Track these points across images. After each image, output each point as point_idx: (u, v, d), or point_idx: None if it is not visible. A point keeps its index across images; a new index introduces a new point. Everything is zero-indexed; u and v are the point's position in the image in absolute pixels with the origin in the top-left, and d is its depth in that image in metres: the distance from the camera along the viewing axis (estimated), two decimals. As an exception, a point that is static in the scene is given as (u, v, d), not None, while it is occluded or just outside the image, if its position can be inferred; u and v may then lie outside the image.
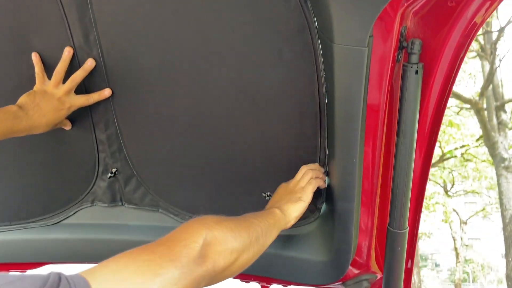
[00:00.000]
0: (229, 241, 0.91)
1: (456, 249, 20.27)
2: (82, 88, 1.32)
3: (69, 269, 1.66)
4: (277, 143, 1.32)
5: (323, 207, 1.38)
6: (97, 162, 1.47)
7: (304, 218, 1.43)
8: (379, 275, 1.40)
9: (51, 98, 1.25)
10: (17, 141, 1.40)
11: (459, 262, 20.13)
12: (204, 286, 0.86)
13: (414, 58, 0.98)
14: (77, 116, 1.37)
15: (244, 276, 1.55)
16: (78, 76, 1.27)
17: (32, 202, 1.57)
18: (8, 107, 1.19)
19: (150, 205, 1.54)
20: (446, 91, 1.04)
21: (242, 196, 1.43)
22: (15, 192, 1.55)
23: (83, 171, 1.49)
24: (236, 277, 1.57)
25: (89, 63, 1.25)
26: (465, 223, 20.83)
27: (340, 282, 1.41)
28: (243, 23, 1.13)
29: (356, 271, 1.39)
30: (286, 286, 1.54)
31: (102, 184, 1.52)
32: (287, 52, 1.14)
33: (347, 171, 1.14)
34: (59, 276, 0.63)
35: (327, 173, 1.32)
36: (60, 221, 1.59)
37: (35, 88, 1.26)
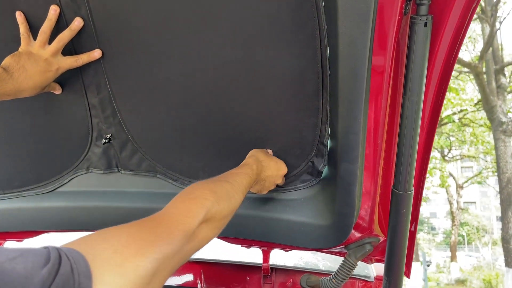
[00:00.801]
0: (219, 221, 0.95)
1: (452, 212, 20.60)
2: (71, 49, 1.25)
3: (66, 237, 1.64)
4: (276, 104, 1.27)
5: (325, 170, 1.35)
6: (91, 127, 1.42)
7: (305, 181, 1.40)
8: (382, 238, 1.38)
9: (37, 59, 1.19)
10: (6, 107, 1.36)
11: (454, 225, 20.50)
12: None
13: (423, 9, 0.92)
14: (67, 80, 1.32)
15: (245, 241, 1.53)
16: (65, 36, 1.20)
17: (25, 170, 1.53)
18: None
19: (148, 171, 1.50)
20: (456, 46, 0.99)
21: (241, 157, 1.39)
22: (7, 160, 1.51)
23: (77, 137, 1.45)
24: (237, 242, 1.56)
25: (76, 23, 1.19)
26: (461, 187, 21.09)
27: (342, 246, 1.39)
28: None
29: (358, 235, 1.36)
30: (287, 250, 1.52)
31: (96, 151, 1.47)
32: (285, 6, 1.08)
33: (351, 132, 1.09)
34: (59, 252, 0.60)
35: (329, 136, 1.27)
36: (55, 189, 1.56)
37: (20, 49, 1.20)
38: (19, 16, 1.18)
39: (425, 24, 0.93)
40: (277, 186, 1.37)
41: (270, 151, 1.36)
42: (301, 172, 1.39)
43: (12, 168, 1.52)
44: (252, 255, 1.62)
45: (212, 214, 0.91)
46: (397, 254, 1.26)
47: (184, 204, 0.90)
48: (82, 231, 1.60)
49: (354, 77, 1.00)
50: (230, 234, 1.53)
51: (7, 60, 1.17)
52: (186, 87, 1.28)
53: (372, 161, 1.19)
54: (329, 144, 1.29)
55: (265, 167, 1.26)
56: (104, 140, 1.44)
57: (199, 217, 0.87)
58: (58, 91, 1.33)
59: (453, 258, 20.53)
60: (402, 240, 1.21)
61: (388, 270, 1.31)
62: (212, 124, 1.34)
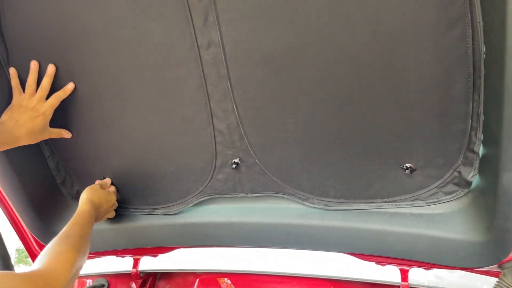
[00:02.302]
0: (74, 269, 1.13)
1: None
2: (200, 73, 1.28)
3: (199, 253, 1.67)
4: (416, 111, 1.18)
5: (475, 180, 1.22)
6: (215, 154, 1.44)
7: (450, 193, 1.29)
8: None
9: (25, 109, 1.37)
10: (145, 131, 1.43)
11: None
12: None
13: None
14: (194, 108, 1.34)
15: (381, 258, 1.44)
16: (59, 96, 1.39)
17: (157, 190, 1.59)
18: None
19: (275, 192, 1.48)
20: None
21: (378, 172, 1.32)
22: (144, 179, 1.58)
23: (201, 163, 1.47)
24: (371, 260, 1.48)
25: (69, 86, 1.38)
26: None
27: (497, 265, 1.25)
28: None
29: (516, 252, 1.21)
30: (428, 269, 1.41)
31: (221, 177, 1.48)
32: (430, 6, 1.00)
33: (517, 137, 0.97)
34: None
35: (481, 142, 1.16)
36: (179, 212, 1.60)
37: (12, 103, 1.38)
38: (11, 71, 1.37)
39: None
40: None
41: (97, 183, 1.55)
42: (445, 183, 1.28)
43: (146, 186, 1.60)
44: (385, 273, 1.53)
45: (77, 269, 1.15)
46: None
47: (52, 264, 1.08)
48: (214, 247, 1.62)
49: None
50: (365, 251, 1.46)
51: (3, 116, 1.35)
52: (315, 103, 1.24)
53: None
54: (481, 151, 1.17)
55: (99, 206, 1.45)
56: (233, 165, 1.44)
57: (67, 276, 1.07)
58: (67, 135, 1.50)
59: None
60: None
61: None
62: (343, 138, 1.28)
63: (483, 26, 0.97)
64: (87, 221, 1.33)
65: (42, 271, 1.04)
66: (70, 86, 1.38)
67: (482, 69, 1.03)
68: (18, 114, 1.36)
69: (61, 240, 1.19)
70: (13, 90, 1.38)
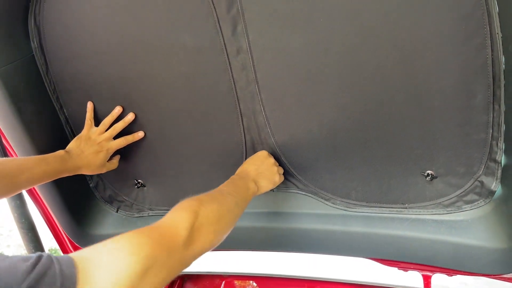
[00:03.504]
0: (213, 224, 1.01)
1: None
2: (231, 77, 1.34)
3: (228, 256, 1.72)
4: (437, 119, 1.20)
5: (499, 189, 1.23)
6: (245, 152, 1.49)
7: (471, 202, 1.30)
8: None
9: (93, 143, 1.46)
10: (175, 132, 1.49)
11: None
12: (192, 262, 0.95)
13: None
14: (225, 107, 1.41)
15: (404, 264, 1.46)
16: (119, 126, 1.48)
17: (187, 189, 1.60)
18: (57, 152, 1.38)
19: (300, 190, 1.53)
20: None
21: (399, 177, 1.34)
22: (175, 180, 1.64)
23: (232, 161, 1.52)
24: (394, 265, 1.50)
25: (129, 117, 1.48)
26: None
27: (519, 272, 1.26)
28: None
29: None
30: (451, 275, 1.42)
31: None
32: (450, 17, 1.03)
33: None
34: (50, 257, 0.68)
35: (502, 151, 1.17)
36: None
37: (81, 133, 1.48)
38: (89, 104, 1.48)
39: None
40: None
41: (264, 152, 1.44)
42: (466, 192, 1.29)
43: (177, 186, 1.65)
44: (408, 279, 1.54)
45: (203, 217, 0.99)
46: None
47: (173, 214, 0.98)
48: (244, 250, 1.67)
49: None
50: (387, 257, 1.48)
51: (70, 145, 1.45)
52: (340, 106, 1.27)
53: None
54: (503, 160, 1.18)
55: (258, 176, 1.36)
56: None
57: (188, 223, 0.94)
58: (115, 166, 1.57)
59: None
60: None
61: None
62: (367, 143, 1.32)
63: (501, 37, 0.99)
64: (243, 195, 1.24)
65: (161, 223, 0.94)
66: (130, 117, 1.48)
67: (502, 79, 1.05)
68: (86, 145, 1.45)
69: (202, 195, 1.09)
70: (86, 122, 1.49)
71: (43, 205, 1.71)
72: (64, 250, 1.87)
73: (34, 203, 1.69)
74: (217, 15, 1.22)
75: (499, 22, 0.98)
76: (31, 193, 1.65)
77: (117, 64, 1.38)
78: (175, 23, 1.26)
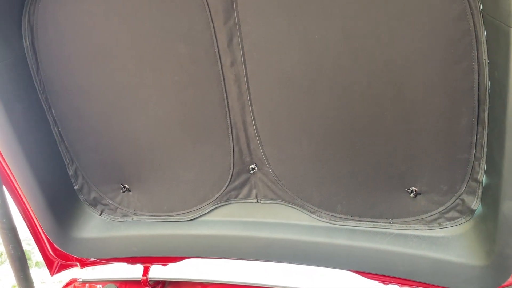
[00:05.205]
0: None
1: None
2: (223, 89, 1.35)
3: (208, 264, 1.72)
4: (423, 139, 1.24)
5: (479, 207, 1.27)
6: (233, 162, 1.51)
7: (452, 219, 1.34)
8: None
9: None
10: (167, 135, 1.49)
11: None
12: None
13: None
14: (215, 118, 1.42)
15: (383, 277, 1.49)
16: None
17: (174, 196, 1.65)
18: None
19: (286, 202, 1.55)
20: None
21: (384, 192, 1.37)
22: (160, 186, 1.64)
23: (219, 171, 1.54)
24: (374, 278, 1.52)
25: None
26: None
27: (496, 289, 1.29)
28: (392, 11, 1.07)
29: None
30: (429, 290, 1.45)
31: (237, 183, 1.56)
32: (440, 42, 1.07)
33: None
34: None
35: (484, 172, 1.21)
36: (196, 218, 1.66)
37: None
38: None
39: None
40: None
41: None
42: (448, 209, 1.33)
43: (163, 193, 1.66)
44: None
45: None
46: None
47: None
48: (223, 258, 1.68)
49: None
50: (369, 270, 1.50)
51: None
52: (330, 121, 1.30)
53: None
54: (484, 180, 1.22)
55: None
56: (251, 171, 1.52)
57: None
58: None
59: None
60: None
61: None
62: (354, 158, 1.35)
63: (488, 63, 1.03)
64: None
65: None
66: None
67: (487, 103, 1.09)
68: None
69: None
70: None
71: (24, 205, 1.68)
72: (43, 251, 1.84)
73: (15, 203, 1.66)
74: (214, 26, 1.23)
75: (487, 48, 1.02)
76: (13, 193, 1.62)
77: (108, 68, 1.38)
78: (171, 30, 1.27)
